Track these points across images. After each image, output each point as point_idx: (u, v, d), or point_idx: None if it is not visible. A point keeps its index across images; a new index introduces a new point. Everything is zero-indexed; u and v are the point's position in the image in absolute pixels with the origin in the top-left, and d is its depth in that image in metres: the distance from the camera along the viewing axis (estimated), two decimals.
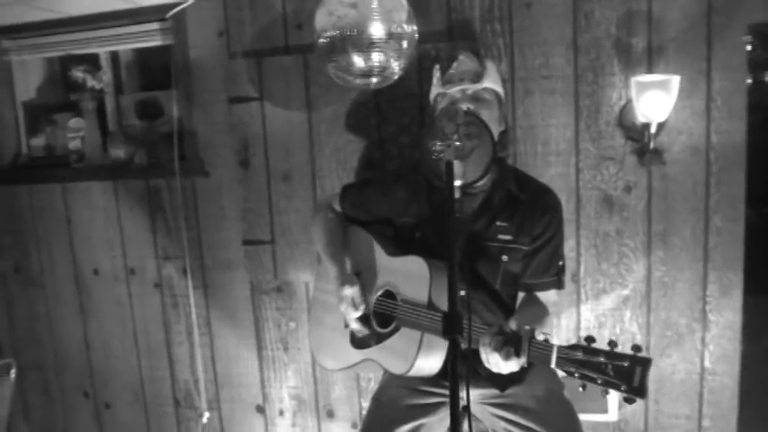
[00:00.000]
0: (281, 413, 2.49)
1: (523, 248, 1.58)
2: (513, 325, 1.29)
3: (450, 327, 1.05)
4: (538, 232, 1.58)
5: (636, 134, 1.97)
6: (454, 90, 1.56)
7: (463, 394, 1.60)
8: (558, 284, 1.63)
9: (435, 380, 1.55)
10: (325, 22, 1.69)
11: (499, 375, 1.55)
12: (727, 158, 1.94)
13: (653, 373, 2.05)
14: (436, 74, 1.65)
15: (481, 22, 2.04)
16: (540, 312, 1.59)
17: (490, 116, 1.55)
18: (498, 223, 1.58)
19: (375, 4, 1.66)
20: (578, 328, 2.14)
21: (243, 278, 2.42)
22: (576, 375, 1.16)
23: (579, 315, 2.14)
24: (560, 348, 1.20)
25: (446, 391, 1.59)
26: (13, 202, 2.65)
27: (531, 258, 1.59)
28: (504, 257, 1.57)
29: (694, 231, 2.00)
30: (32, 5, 2.16)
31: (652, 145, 1.90)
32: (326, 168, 2.22)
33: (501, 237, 1.57)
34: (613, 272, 2.09)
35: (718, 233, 1.98)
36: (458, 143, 1.14)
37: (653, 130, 1.86)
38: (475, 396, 1.58)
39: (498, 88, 1.62)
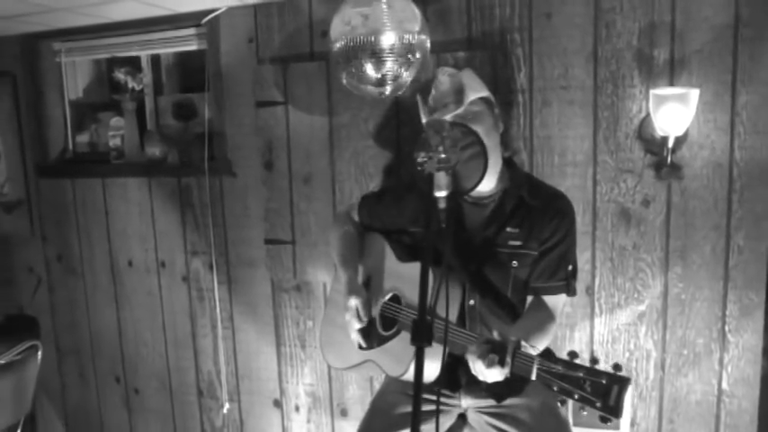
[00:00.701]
0: (297, 409, 2.56)
1: (533, 254, 1.59)
2: (498, 335, 1.31)
3: (418, 334, 1.08)
4: (546, 236, 1.59)
5: (655, 147, 1.93)
6: (443, 120, 1.57)
7: (462, 402, 1.64)
8: (567, 289, 1.62)
9: (433, 387, 1.57)
10: (339, 31, 1.74)
11: (497, 386, 1.57)
12: (752, 175, 1.88)
13: (668, 392, 2.04)
14: (419, 103, 1.67)
15: (501, 31, 2.05)
16: (543, 318, 1.57)
17: (485, 127, 1.56)
18: (508, 229, 1.59)
19: (387, 15, 1.70)
20: (591, 342, 2.12)
21: (264, 276, 2.50)
22: (555, 389, 1.16)
23: (593, 328, 2.11)
24: (541, 361, 1.20)
25: (443, 399, 1.62)
26: (59, 195, 2.82)
27: (538, 262, 1.60)
28: (515, 263, 1.58)
29: (715, 249, 1.94)
30: (79, 12, 2.30)
31: (669, 159, 1.86)
32: (345, 172, 2.28)
33: (511, 243, 1.58)
34: (629, 286, 2.05)
35: (740, 252, 1.92)
36: (443, 155, 1.17)
37: (670, 143, 1.83)
38: (473, 404, 1.60)
39: (484, 94, 1.61)
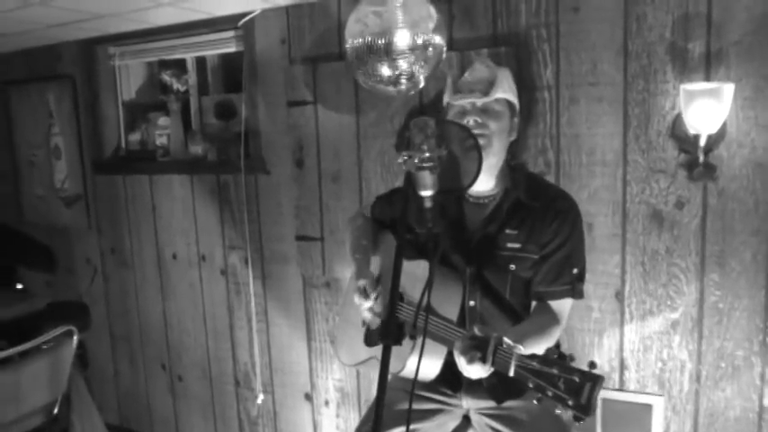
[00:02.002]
0: (327, 403, 2.60)
1: (532, 257, 1.54)
2: (479, 330, 1.29)
3: (385, 332, 1.07)
4: (547, 239, 1.54)
5: (689, 146, 1.82)
6: (463, 102, 1.55)
7: (463, 402, 1.61)
8: (573, 293, 1.56)
9: (434, 386, 1.56)
10: (354, 30, 1.76)
11: (498, 387, 1.54)
12: None
13: (704, 406, 1.93)
14: (448, 81, 1.65)
15: (527, 27, 1.99)
16: (546, 322, 1.52)
17: (499, 128, 1.53)
18: (507, 231, 1.55)
19: (400, 13, 1.69)
20: (621, 349, 2.03)
21: (296, 272, 2.55)
22: (531, 385, 1.13)
23: (622, 336, 2.02)
24: (519, 357, 1.18)
25: (444, 398, 1.61)
26: (112, 190, 3.00)
27: (540, 266, 1.55)
28: (512, 266, 1.54)
29: (755, 255, 1.81)
30: (125, 18, 2.44)
31: (702, 158, 1.75)
32: (372, 171, 2.29)
33: (510, 245, 1.54)
34: (661, 293, 1.94)
35: None
36: (426, 154, 1.15)
37: (702, 142, 1.72)
38: (474, 405, 1.57)
39: (511, 98, 1.59)
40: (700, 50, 1.79)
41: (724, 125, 1.74)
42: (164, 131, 2.84)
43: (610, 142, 1.94)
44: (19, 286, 3.20)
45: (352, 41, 1.76)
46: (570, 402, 1.06)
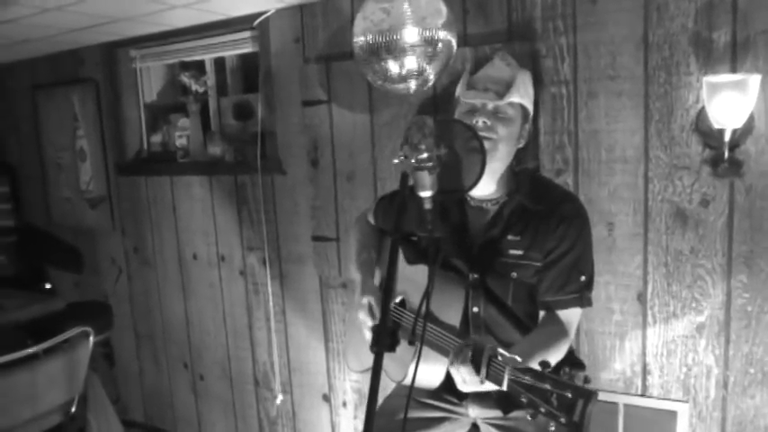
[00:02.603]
0: (345, 404, 2.58)
1: (535, 264, 1.47)
2: (474, 341, 1.24)
3: (377, 340, 1.04)
4: (551, 245, 1.46)
5: (714, 141, 1.73)
6: (474, 101, 1.49)
7: (470, 411, 1.57)
8: (581, 302, 1.49)
9: (440, 394, 1.52)
10: (362, 27, 1.73)
11: (505, 398, 1.49)
12: None
13: (732, 414, 1.84)
14: (465, 74, 1.60)
15: (543, 20, 1.93)
16: (552, 336, 1.44)
17: (507, 134, 1.47)
18: (510, 237, 1.49)
19: (408, 10, 1.65)
20: (644, 353, 1.95)
21: (313, 272, 2.54)
22: (524, 400, 1.08)
23: (645, 339, 1.94)
24: (512, 370, 1.12)
25: (449, 406, 1.56)
26: (134, 192, 3.04)
27: (544, 274, 1.48)
28: (514, 274, 1.47)
29: None
30: (142, 21, 2.46)
31: (727, 154, 1.66)
32: (386, 170, 2.26)
33: (512, 252, 1.48)
34: (686, 295, 1.86)
35: None
36: (424, 154, 1.11)
37: (726, 137, 1.63)
38: (480, 415, 1.53)
39: (527, 103, 1.52)
40: (725, 40, 1.70)
41: (751, 119, 1.65)
42: (183, 133, 2.86)
43: (630, 138, 1.87)
44: (47, 286, 3.29)
45: (359, 39, 1.73)
46: (563, 420, 1.00)
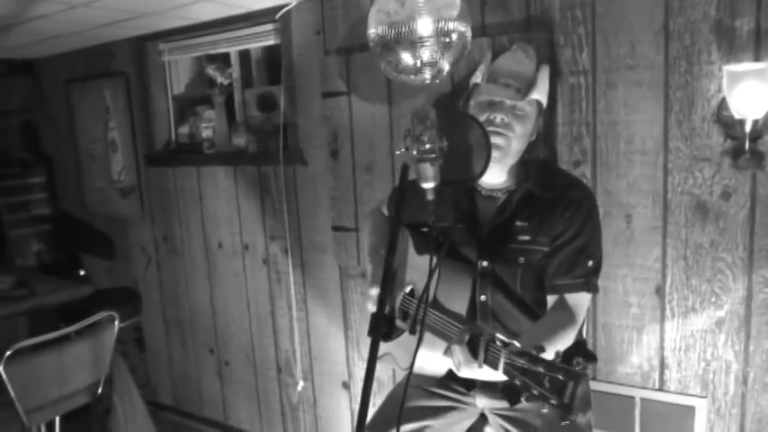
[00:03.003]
0: None
1: (543, 249, 1.48)
2: (474, 326, 1.25)
3: (374, 326, 1.06)
4: (559, 230, 1.47)
5: (736, 132, 1.69)
6: (494, 98, 1.50)
7: (477, 401, 1.58)
8: (587, 287, 1.49)
9: (447, 383, 1.54)
10: (376, 19, 1.74)
11: (512, 389, 1.49)
12: None
13: (752, 411, 1.81)
14: (485, 63, 1.60)
15: (561, 9, 1.90)
16: (559, 322, 1.45)
17: (523, 131, 1.49)
18: (518, 223, 1.50)
19: (423, 1, 1.65)
20: (662, 348, 1.92)
21: (333, 262, 2.58)
22: (518, 383, 1.10)
23: (663, 333, 1.91)
24: (507, 354, 1.13)
25: (457, 396, 1.58)
26: (163, 182, 3.13)
27: (552, 258, 1.49)
28: (521, 259, 1.48)
29: None
30: (166, 15, 2.52)
31: (748, 145, 1.62)
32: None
33: (520, 237, 1.49)
34: (705, 289, 1.83)
35: None
36: (427, 146, 1.13)
37: (747, 127, 1.59)
38: (488, 405, 1.54)
39: (543, 99, 1.53)
40: (748, 28, 1.66)
41: None
42: (209, 124, 2.92)
43: (650, 129, 1.83)
44: (82, 272, 3.41)
45: (374, 31, 1.74)
46: (553, 401, 1.02)
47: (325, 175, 2.51)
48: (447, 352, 1.30)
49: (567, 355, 1.59)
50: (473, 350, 1.21)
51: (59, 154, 3.67)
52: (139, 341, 3.44)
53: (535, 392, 1.05)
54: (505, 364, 1.13)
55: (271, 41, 2.66)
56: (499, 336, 1.18)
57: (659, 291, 1.90)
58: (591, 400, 1.49)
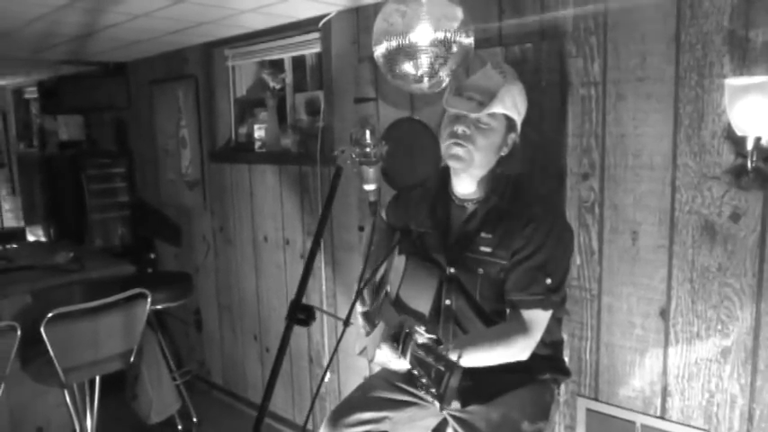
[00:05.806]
0: None
1: (501, 263, 1.48)
2: (402, 321, 1.30)
3: (289, 313, 1.14)
4: (518, 246, 1.47)
5: (746, 150, 1.59)
6: (455, 110, 1.53)
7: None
8: (543, 304, 1.47)
9: (413, 380, 1.58)
10: (380, 29, 1.81)
11: (468, 390, 1.51)
12: None
13: None
14: (453, 79, 1.63)
15: (574, 19, 1.88)
16: (506, 332, 1.45)
17: (486, 144, 1.51)
18: (483, 235, 1.52)
19: (424, 11, 1.71)
20: (665, 373, 1.83)
21: (359, 260, 2.67)
22: (416, 372, 1.14)
23: (666, 358, 1.83)
24: (414, 346, 1.18)
25: (422, 394, 1.61)
26: (221, 177, 3.38)
27: (510, 272, 1.48)
28: (480, 270, 1.50)
29: None
30: (223, 24, 2.74)
31: (751, 164, 1.52)
32: None
33: (482, 248, 1.50)
34: (711, 315, 1.73)
35: None
36: (367, 149, 1.19)
37: (749, 145, 1.49)
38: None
39: (512, 114, 1.53)
40: (763, 39, 1.55)
41: None
42: (262, 125, 3.13)
43: (658, 144, 1.76)
44: (152, 256, 3.76)
45: (378, 40, 1.81)
46: (433, 390, 1.06)
47: (353, 176, 2.60)
48: (379, 345, 1.36)
49: (537, 369, 1.59)
50: (396, 343, 1.26)
51: (141, 148, 4.07)
52: (198, 323, 3.73)
53: (424, 381, 1.10)
54: (411, 355, 1.18)
55: (316, 49, 2.81)
56: (420, 330, 1.23)
57: (663, 313, 1.81)
58: (548, 411, 1.49)
